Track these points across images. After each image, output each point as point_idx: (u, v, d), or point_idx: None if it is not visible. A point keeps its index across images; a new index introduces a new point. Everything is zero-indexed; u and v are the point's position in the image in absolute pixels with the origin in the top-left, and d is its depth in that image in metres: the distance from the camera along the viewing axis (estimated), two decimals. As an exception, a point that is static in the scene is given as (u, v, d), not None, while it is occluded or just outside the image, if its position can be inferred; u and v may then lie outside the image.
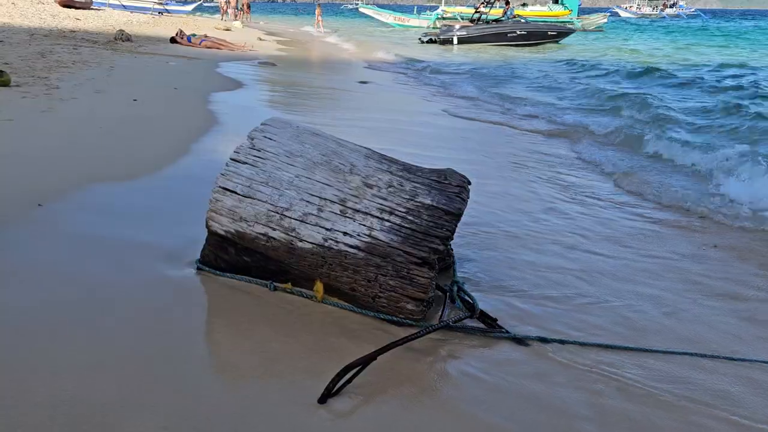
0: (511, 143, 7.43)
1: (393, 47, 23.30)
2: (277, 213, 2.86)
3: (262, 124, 3.17)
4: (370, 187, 2.93)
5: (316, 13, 36.64)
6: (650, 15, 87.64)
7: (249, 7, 36.70)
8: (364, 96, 10.02)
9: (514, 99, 10.43)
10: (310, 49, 20.41)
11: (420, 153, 5.96)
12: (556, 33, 28.44)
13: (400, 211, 2.83)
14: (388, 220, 2.81)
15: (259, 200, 2.90)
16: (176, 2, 39.23)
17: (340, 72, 13.88)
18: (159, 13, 30.50)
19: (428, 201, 2.86)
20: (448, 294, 3.02)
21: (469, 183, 3.11)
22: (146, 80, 9.38)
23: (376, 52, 21.33)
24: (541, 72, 15.23)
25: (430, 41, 26.89)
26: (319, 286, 2.87)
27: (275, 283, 2.94)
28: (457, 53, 22.17)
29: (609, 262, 3.80)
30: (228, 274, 3.04)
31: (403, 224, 2.80)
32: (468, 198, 3.00)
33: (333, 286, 2.85)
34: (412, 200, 2.87)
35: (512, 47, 25.60)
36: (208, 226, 2.99)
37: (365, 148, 3.27)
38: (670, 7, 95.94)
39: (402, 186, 2.94)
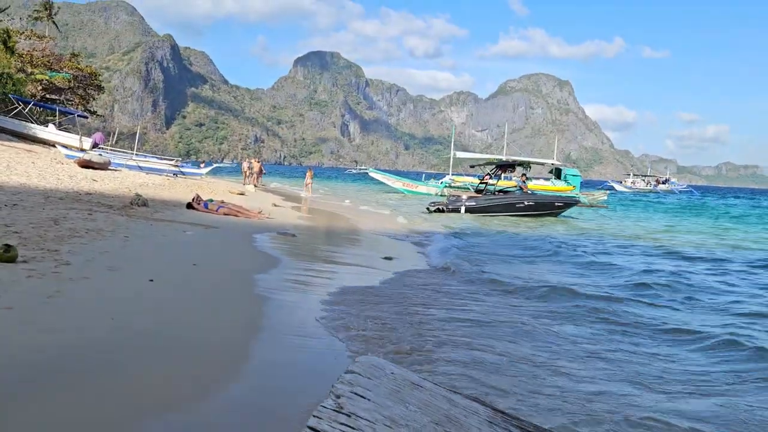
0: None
1: (405, 217, 23.33)
2: None
3: (348, 372, 2.36)
4: (508, 480, 2.05)
5: (307, 175, 37.87)
6: (644, 190, 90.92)
7: (261, 171, 37.67)
8: (394, 278, 9.33)
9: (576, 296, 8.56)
10: (327, 218, 20.23)
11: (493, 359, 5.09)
12: (563, 204, 28.84)
13: None
14: None
15: (350, 499, 2.00)
16: (191, 164, 40.50)
17: (361, 245, 13.38)
18: (174, 174, 31.10)
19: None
20: None
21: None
22: (163, 254, 8.74)
23: (390, 221, 21.23)
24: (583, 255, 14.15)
25: (438, 210, 27.06)
26: None
27: None
28: (473, 224, 22.03)
29: None
30: None
31: None
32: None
33: None
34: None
35: (524, 218, 25.77)
36: None
37: (479, 402, 2.44)
38: (663, 183, 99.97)
39: (548, 477, 2.07)
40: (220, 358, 4.44)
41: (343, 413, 2.18)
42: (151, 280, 6.76)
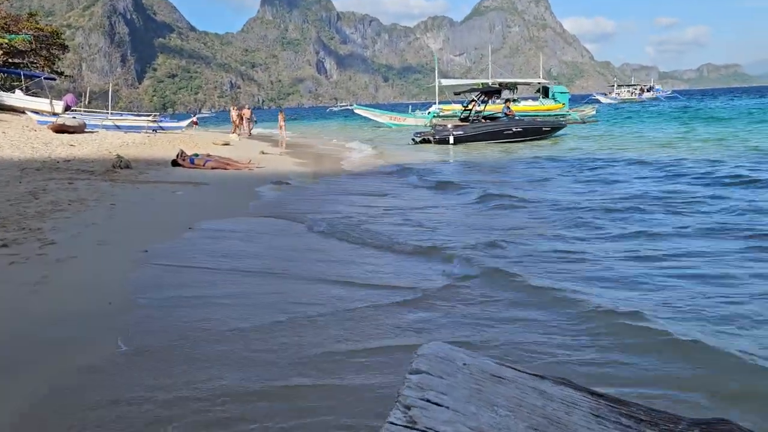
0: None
1: (391, 151, 22.82)
2: None
3: (414, 372, 1.88)
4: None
5: (280, 118, 35.60)
6: (630, 100, 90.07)
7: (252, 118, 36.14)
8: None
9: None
10: (318, 161, 19.49)
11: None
12: (551, 128, 28.13)
13: None
14: None
15: None
16: (170, 118, 39.16)
17: (369, 189, 12.76)
18: (153, 131, 30.03)
19: None
20: None
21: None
22: (155, 219, 8.18)
23: (376, 158, 20.60)
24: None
25: (424, 141, 26.30)
26: None
27: None
28: (467, 155, 21.42)
29: None
30: None
31: None
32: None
33: None
34: None
35: (512, 143, 25.11)
36: None
37: (573, 387, 1.99)
38: (648, 91, 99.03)
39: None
40: (250, 348, 3.94)
41: (417, 429, 1.71)
42: (146, 251, 6.26)
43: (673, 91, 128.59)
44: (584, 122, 36.94)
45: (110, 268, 5.56)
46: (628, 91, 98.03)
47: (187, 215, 8.49)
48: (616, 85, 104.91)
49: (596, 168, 15.20)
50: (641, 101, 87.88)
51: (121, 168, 13.37)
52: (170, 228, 7.54)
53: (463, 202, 10.39)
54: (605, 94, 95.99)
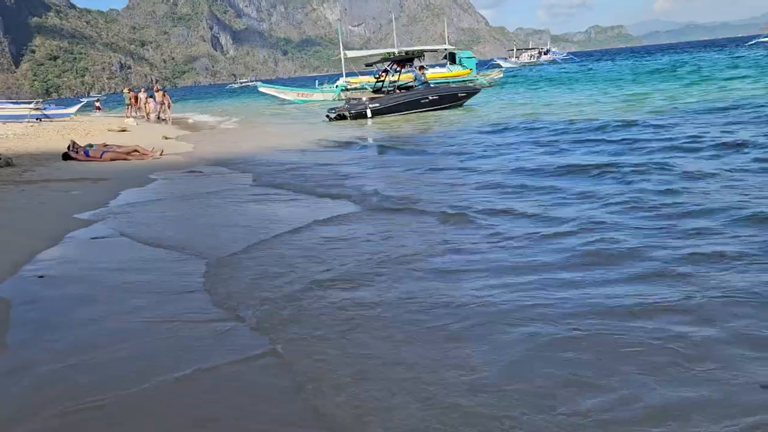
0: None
1: (309, 129, 21.55)
2: None
3: None
4: None
5: (165, 98, 31.22)
6: (530, 63, 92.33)
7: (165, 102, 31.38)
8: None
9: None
10: (227, 146, 17.83)
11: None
12: (466, 94, 27.75)
13: None
14: None
15: None
16: (56, 105, 35.62)
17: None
18: (37, 119, 27.13)
19: None
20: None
21: None
22: (48, 230, 6.71)
23: (281, 138, 19.01)
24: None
25: (339, 117, 25.04)
26: None
27: None
28: (391, 128, 20.52)
29: None
30: None
31: None
32: None
33: None
34: None
35: (426, 113, 24.46)
36: None
37: None
38: (545, 54, 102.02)
39: None
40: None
41: None
42: (41, 277, 4.98)
43: (568, 53, 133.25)
44: (491, 86, 36.81)
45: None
46: (529, 55, 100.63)
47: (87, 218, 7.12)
48: (515, 49, 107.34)
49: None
50: (540, 64, 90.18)
51: (1, 167, 11.52)
52: (72, 237, 6.21)
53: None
54: (505, 59, 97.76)
